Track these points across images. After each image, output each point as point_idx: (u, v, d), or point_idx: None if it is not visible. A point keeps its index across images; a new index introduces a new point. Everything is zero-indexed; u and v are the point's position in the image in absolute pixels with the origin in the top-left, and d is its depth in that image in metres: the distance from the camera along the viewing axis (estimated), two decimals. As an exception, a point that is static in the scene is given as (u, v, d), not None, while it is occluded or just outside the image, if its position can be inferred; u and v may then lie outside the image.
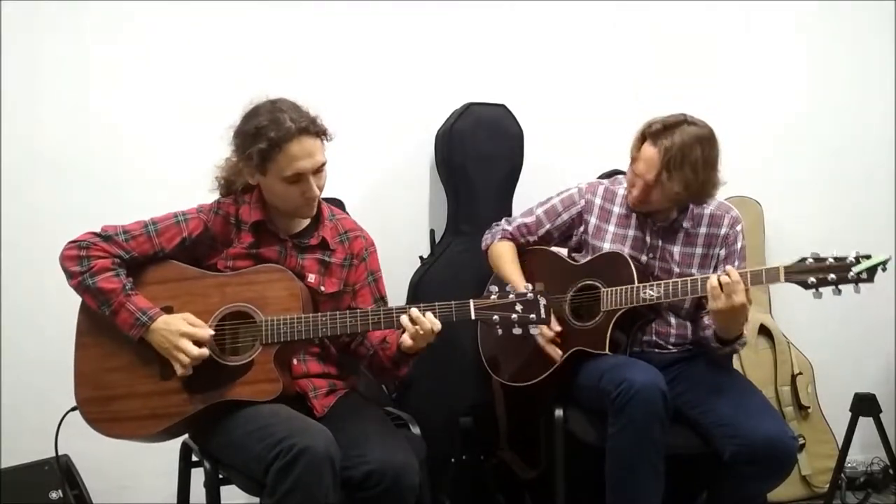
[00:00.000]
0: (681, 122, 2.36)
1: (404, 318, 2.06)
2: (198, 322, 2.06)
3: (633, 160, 2.43)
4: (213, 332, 2.05)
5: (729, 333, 2.35)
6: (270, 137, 2.02)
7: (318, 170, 2.10)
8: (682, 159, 2.32)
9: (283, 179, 2.06)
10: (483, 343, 2.70)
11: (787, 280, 2.18)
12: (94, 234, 2.11)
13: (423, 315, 2.05)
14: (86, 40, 2.86)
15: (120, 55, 2.89)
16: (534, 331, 2.10)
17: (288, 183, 2.07)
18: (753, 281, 2.22)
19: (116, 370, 2.09)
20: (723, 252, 2.50)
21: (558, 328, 2.45)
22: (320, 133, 2.10)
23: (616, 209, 2.57)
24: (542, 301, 2.06)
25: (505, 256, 2.64)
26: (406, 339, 2.07)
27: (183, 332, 2.02)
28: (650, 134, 2.38)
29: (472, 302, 2.07)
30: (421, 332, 2.04)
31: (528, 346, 2.52)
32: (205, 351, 2.03)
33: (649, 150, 2.37)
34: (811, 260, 2.16)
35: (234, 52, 2.96)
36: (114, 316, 2.04)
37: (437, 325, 2.05)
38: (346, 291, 2.26)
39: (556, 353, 2.46)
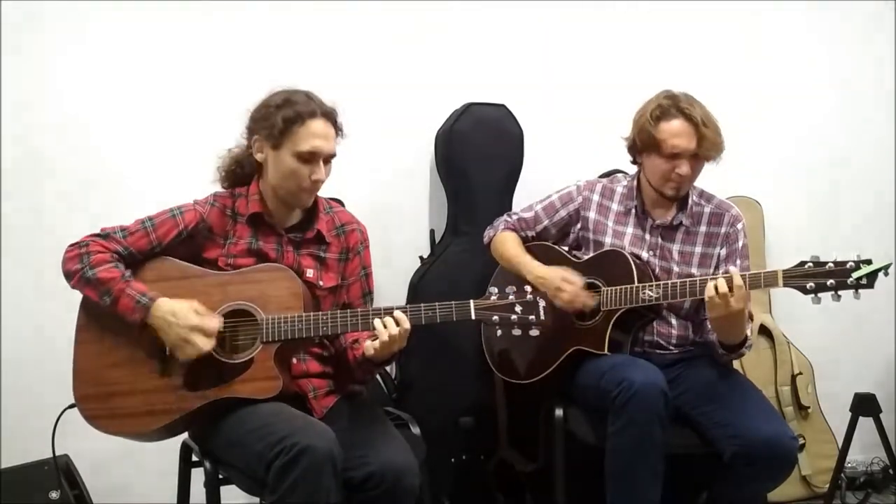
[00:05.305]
0: (669, 92, 2.41)
1: (377, 322, 2.04)
2: (205, 311, 2.05)
3: (658, 145, 2.37)
4: (222, 319, 2.05)
5: (730, 339, 2.35)
6: (298, 109, 2.08)
7: (328, 159, 2.14)
8: (703, 111, 2.36)
9: (297, 155, 2.09)
10: (487, 341, 2.70)
11: (785, 285, 2.17)
12: (93, 234, 2.12)
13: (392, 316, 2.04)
14: (86, 39, 2.86)
15: (120, 54, 2.89)
16: (533, 332, 2.11)
17: (300, 160, 2.09)
18: (751, 285, 2.21)
19: (116, 366, 2.08)
20: (724, 251, 2.50)
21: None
22: (338, 127, 2.16)
23: (614, 206, 2.57)
24: (542, 302, 2.06)
25: (510, 243, 2.62)
26: (369, 348, 2.06)
27: (193, 325, 2.01)
28: (664, 111, 2.37)
29: (472, 302, 2.07)
30: (393, 333, 2.02)
31: (531, 345, 2.51)
32: (212, 341, 2.02)
33: (676, 123, 2.35)
34: (810, 264, 2.14)
35: (234, 53, 2.96)
36: (115, 304, 2.03)
37: (407, 324, 2.04)
38: (342, 285, 2.27)
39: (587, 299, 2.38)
